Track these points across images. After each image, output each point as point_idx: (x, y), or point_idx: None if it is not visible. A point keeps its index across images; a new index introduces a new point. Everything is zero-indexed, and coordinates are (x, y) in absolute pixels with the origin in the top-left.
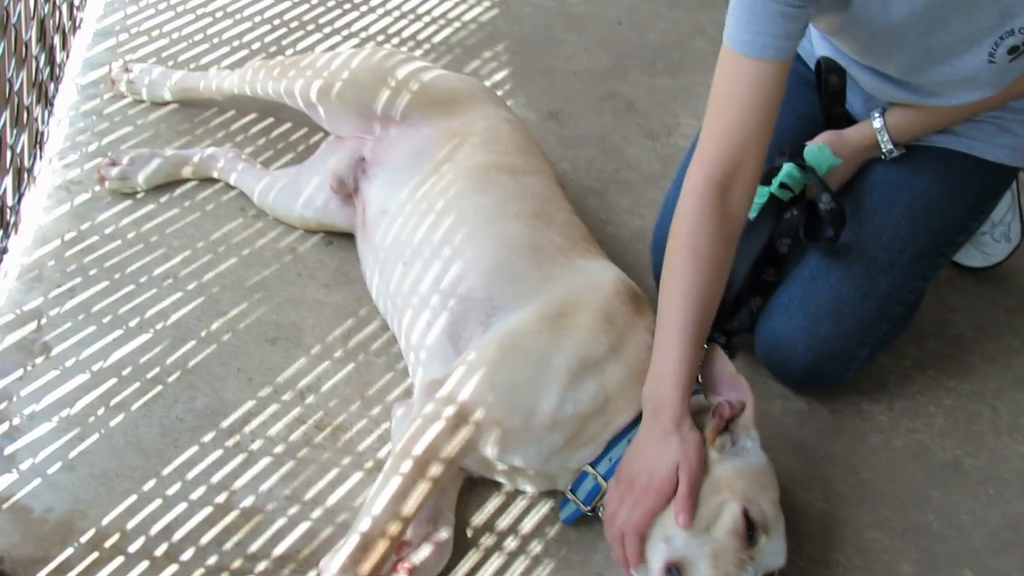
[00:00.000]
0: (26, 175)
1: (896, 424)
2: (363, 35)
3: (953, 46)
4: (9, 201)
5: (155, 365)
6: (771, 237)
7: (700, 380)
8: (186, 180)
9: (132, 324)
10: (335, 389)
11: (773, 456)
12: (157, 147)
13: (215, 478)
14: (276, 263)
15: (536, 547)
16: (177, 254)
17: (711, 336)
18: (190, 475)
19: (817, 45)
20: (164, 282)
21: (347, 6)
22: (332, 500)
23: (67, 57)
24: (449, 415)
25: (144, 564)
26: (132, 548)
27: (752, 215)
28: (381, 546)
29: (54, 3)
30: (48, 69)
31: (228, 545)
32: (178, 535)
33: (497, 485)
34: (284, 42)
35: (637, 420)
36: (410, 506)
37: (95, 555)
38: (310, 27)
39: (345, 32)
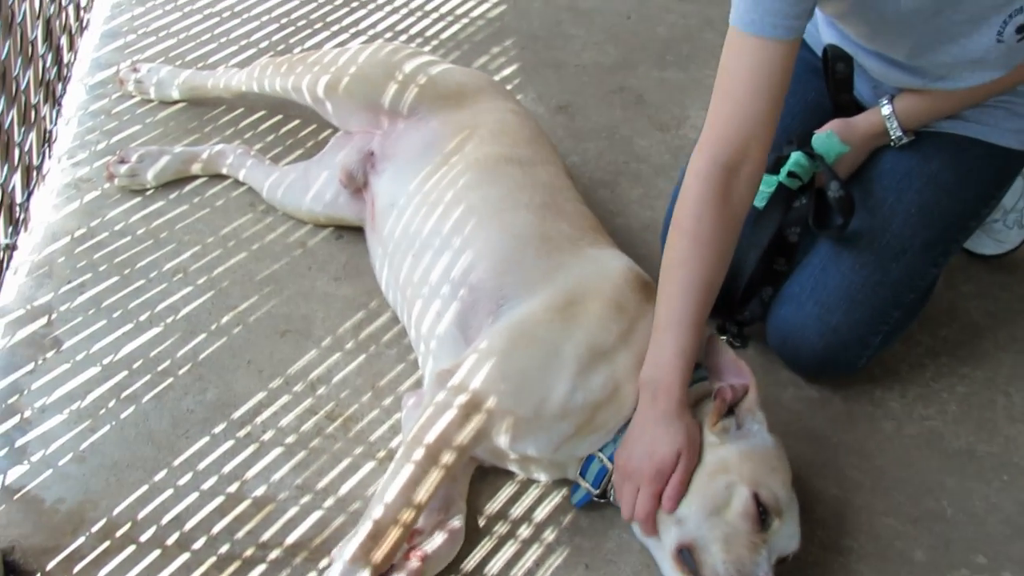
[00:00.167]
0: (35, 173)
1: (909, 411)
2: (371, 32)
3: (961, 25)
4: (18, 198)
5: (166, 358)
6: (781, 226)
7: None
8: (195, 177)
9: (142, 318)
10: (346, 380)
11: (786, 444)
12: (166, 145)
13: (226, 468)
14: (286, 257)
15: (549, 535)
16: (187, 249)
17: (723, 327)
18: (201, 465)
19: (823, 32)
20: (174, 277)
21: (355, 4)
22: (344, 489)
23: (75, 58)
24: (461, 403)
25: (155, 553)
26: (143, 537)
27: (761, 204)
28: (393, 534)
29: (60, 3)
30: (55, 69)
31: (240, 534)
32: (189, 524)
33: (511, 474)
34: (292, 40)
35: None
36: (422, 494)
37: (106, 544)
38: (317, 25)
39: (353, 30)
